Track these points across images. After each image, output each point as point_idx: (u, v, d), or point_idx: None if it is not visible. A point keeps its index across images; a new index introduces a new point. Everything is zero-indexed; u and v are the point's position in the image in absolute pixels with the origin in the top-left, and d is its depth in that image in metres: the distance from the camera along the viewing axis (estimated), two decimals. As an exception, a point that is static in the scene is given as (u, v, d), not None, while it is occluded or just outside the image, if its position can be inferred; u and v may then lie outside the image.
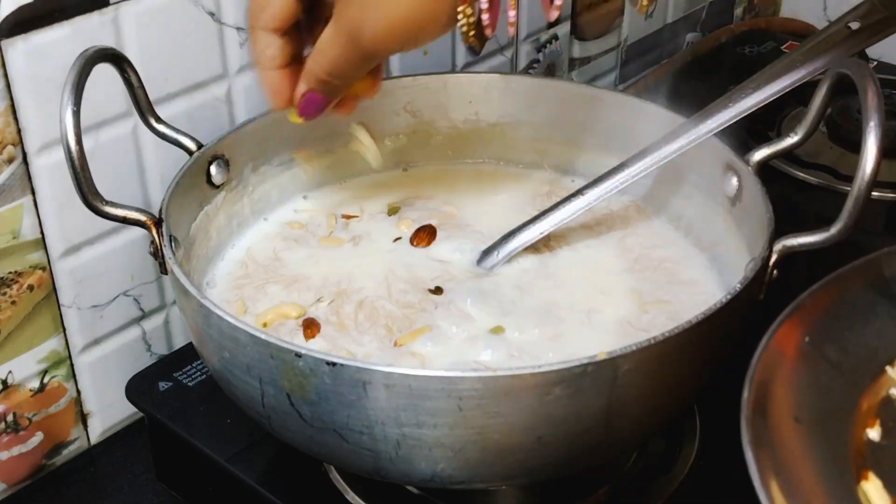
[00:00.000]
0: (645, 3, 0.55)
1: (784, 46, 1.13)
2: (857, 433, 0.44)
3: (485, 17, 0.55)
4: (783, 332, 0.47)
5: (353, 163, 0.77)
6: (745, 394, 0.43)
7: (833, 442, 0.44)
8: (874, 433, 0.46)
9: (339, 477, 0.66)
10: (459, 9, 0.54)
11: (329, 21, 0.57)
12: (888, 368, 0.46)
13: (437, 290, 0.66)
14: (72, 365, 0.72)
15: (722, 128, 0.65)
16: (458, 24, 0.55)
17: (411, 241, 0.71)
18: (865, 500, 0.43)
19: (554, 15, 0.58)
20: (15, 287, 0.67)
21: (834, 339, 0.47)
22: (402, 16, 0.55)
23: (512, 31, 0.57)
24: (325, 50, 0.58)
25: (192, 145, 0.66)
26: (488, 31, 0.56)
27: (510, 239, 0.68)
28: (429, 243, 0.70)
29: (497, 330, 0.62)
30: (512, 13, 0.56)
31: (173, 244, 0.60)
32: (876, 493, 0.44)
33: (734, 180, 0.66)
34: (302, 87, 0.60)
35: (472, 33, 0.55)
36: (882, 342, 0.47)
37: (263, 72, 0.61)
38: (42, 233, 0.67)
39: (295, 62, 0.61)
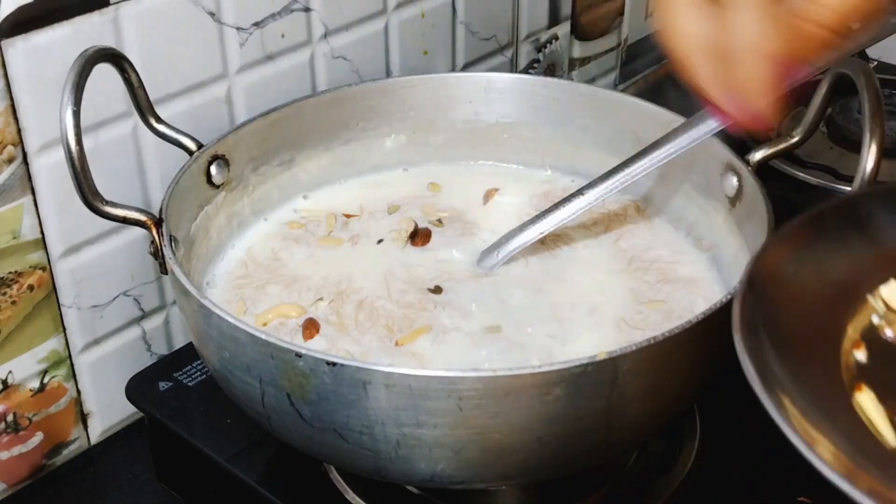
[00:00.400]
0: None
1: (784, 46, 1.12)
2: (845, 353, 0.45)
3: None
4: (766, 260, 0.48)
5: (353, 162, 0.77)
6: (736, 310, 0.44)
7: (824, 359, 0.45)
8: (861, 355, 0.47)
9: (339, 477, 0.66)
10: None
11: None
12: (869, 297, 0.48)
13: (437, 290, 0.66)
14: (72, 365, 0.72)
15: (722, 127, 0.65)
16: None
17: (411, 241, 0.71)
18: (860, 411, 0.44)
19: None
20: (15, 287, 0.67)
21: (815, 269, 0.48)
22: None
23: None
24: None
25: (192, 145, 0.66)
26: None
27: (510, 239, 0.68)
28: (424, 244, 0.70)
29: (497, 330, 0.62)
30: None
31: (173, 244, 0.60)
32: (871, 403, 0.45)
33: (734, 180, 0.66)
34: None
35: None
36: (861, 273, 0.48)
37: (759, 57, 0.46)
38: (42, 233, 0.67)
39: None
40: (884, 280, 0.49)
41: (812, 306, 0.47)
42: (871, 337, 0.46)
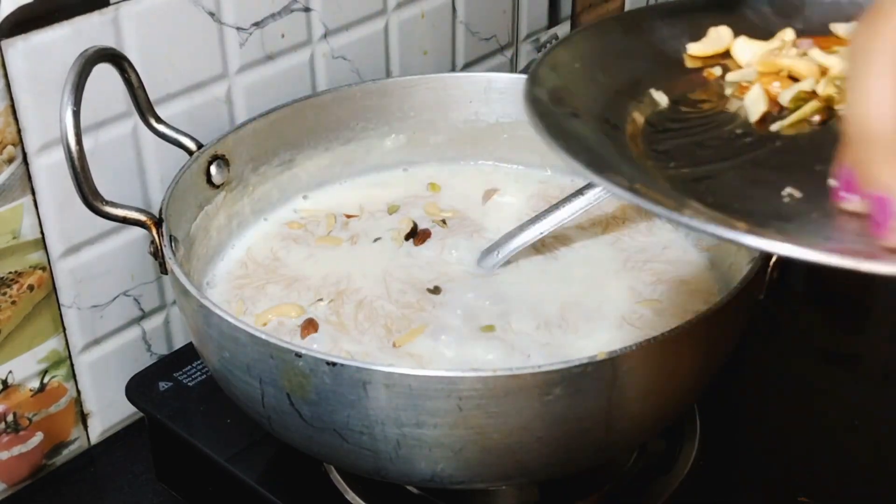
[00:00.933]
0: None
1: (784, 46, 1.13)
2: (632, 129, 0.49)
3: None
4: (552, 59, 0.51)
5: (353, 162, 0.77)
6: (527, 92, 0.47)
7: (614, 130, 0.48)
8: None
9: (339, 477, 0.66)
10: None
11: None
12: (652, 91, 0.51)
13: (436, 290, 0.66)
14: (72, 365, 0.72)
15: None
16: None
17: (411, 241, 0.71)
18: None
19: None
20: (15, 287, 0.67)
21: (602, 68, 0.52)
22: None
23: None
24: None
25: (192, 145, 0.66)
26: None
27: (510, 239, 0.68)
28: (423, 243, 0.70)
29: (497, 330, 0.62)
30: None
31: (173, 244, 0.60)
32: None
33: (734, 180, 0.66)
34: None
35: None
36: (644, 74, 0.52)
37: None
38: (42, 233, 0.67)
39: None
40: (667, 78, 0.53)
41: (601, 93, 0.50)
42: (655, 120, 0.50)
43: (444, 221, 0.73)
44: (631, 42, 0.55)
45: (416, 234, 0.71)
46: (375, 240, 0.71)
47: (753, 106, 0.51)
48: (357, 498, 0.65)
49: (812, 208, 0.41)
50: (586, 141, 0.46)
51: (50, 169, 0.66)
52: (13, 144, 0.64)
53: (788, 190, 0.43)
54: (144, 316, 0.76)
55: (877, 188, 0.37)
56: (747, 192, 0.44)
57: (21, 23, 0.62)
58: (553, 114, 0.47)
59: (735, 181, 0.45)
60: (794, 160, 0.47)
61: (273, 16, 0.75)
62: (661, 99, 0.51)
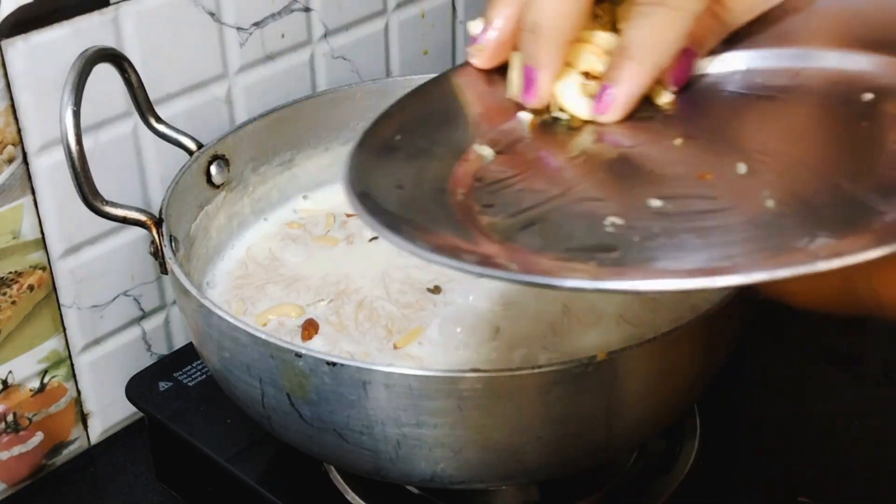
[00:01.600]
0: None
1: (784, 46, 1.12)
2: (456, 190, 0.47)
3: None
4: (372, 132, 0.51)
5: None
6: (346, 175, 0.46)
7: (437, 194, 0.47)
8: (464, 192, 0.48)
9: (339, 477, 0.66)
10: None
11: None
12: (476, 146, 0.50)
13: (436, 290, 0.66)
14: (72, 365, 0.72)
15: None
16: None
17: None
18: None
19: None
20: (15, 287, 0.67)
21: (422, 134, 0.51)
22: None
23: None
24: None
25: (192, 145, 0.66)
26: None
27: (510, 239, 0.68)
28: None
29: (497, 329, 0.62)
30: None
31: (173, 244, 0.60)
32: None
33: (734, 180, 0.65)
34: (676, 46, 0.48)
35: None
36: (463, 133, 0.51)
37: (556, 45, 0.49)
38: (42, 233, 0.67)
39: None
40: (491, 129, 0.52)
41: (424, 161, 0.49)
42: (482, 175, 0.49)
43: None
44: (452, 102, 0.54)
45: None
46: (371, 239, 0.71)
47: (574, 106, 0.50)
48: (357, 498, 0.65)
49: (634, 233, 0.41)
50: (404, 208, 0.45)
51: (50, 169, 0.66)
52: (13, 144, 0.64)
53: (611, 219, 0.42)
54: (144, 316, 0.76)
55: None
56: (573, 229, 0.43)
57: (21, 23, 0.62)
58: (375, 191, 0.45)
59: (560, 219, 0.44)
60: (613, 183, 0.47)
61: (273, 16, 0.75)
62: (486, 152, 0.50)
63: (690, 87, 0.51)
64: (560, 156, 0.50)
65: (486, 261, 0.41)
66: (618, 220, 0.42)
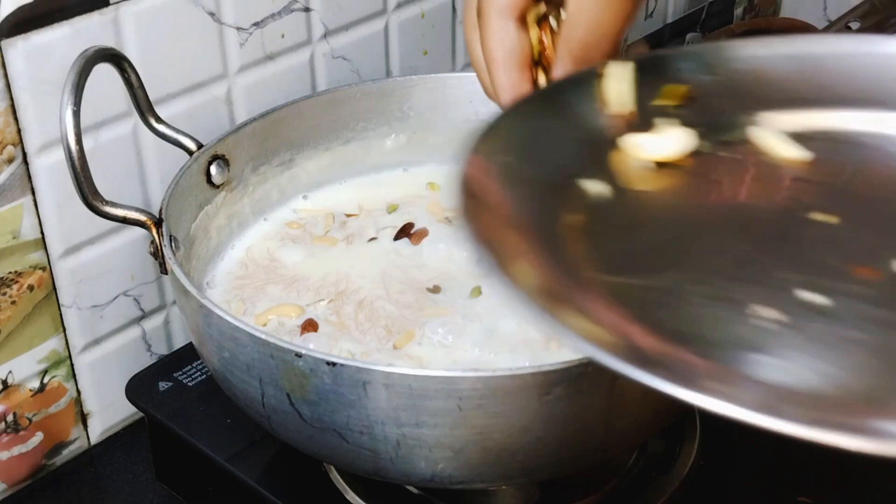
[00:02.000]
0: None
1: (784, 46, 1.13)
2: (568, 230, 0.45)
3: None
4: (476, 157, 0.47)
5: (353, 162, 0.77)
6: (460, 200, 0.43)
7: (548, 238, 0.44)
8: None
9: (339, 477, 0.66)
10: None
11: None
12: (578, 180, 0.48)
13: (436, 290, 0.66)
14: (72, 365, 0.72)
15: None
16: None
17: (407, 238, 0.71)
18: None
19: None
20: (15, 287, 0.67)
21: (526, 159, 0.48)
22: None
23: None
24: (575, 23, 0.52)
25: (192, 145, 0.66)
26: None
27: (510, 239, 0.68)
28: (419, 242, 0.70)
29: (497, 329, 0.62)
30: None
31: (173, 244, 0.60)
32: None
33: (734, 180, 0.65)
34: (559, 73, 0.54)
35: None
36: (567, 160, 0.48)
37: (502, 73, 0.54)
38: (42, 233, 0.67)
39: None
40: (594, 163, 0.49)
41: (529, 194, 0.46)
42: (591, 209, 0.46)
43: (447, 219, 0.73)
44: (559, 123, 0.51)
45: (410, 234, 0.71)
46: (370, 239, 0.71)
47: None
48: (357, 498, 0.65)
49: (790, 332, 0.35)
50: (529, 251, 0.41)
51: (50, 169, 0.66)
52: (13, 144, 0.64)
53: (756, 308, 0.37)
54: (144, 316, 0.76)
55: None
56: (708, 313, 0.37)
57: (21, 23, 0.62)
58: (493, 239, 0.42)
59: (691, 295, 0.38)
60: (747, 255, 0.41)
61: (273, 16, 0.75)
62: (600, 188, 0.47)
63: (829, 145, 0.47)
64: (680, 204, 0.45)
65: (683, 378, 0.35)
66: (769, 313, 0.36)
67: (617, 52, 0.54)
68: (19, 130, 0.64)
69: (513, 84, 0.54)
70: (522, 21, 0.53)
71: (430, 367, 0.59)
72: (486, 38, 0.54)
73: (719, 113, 0.51)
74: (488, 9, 0.53)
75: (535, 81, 0.55)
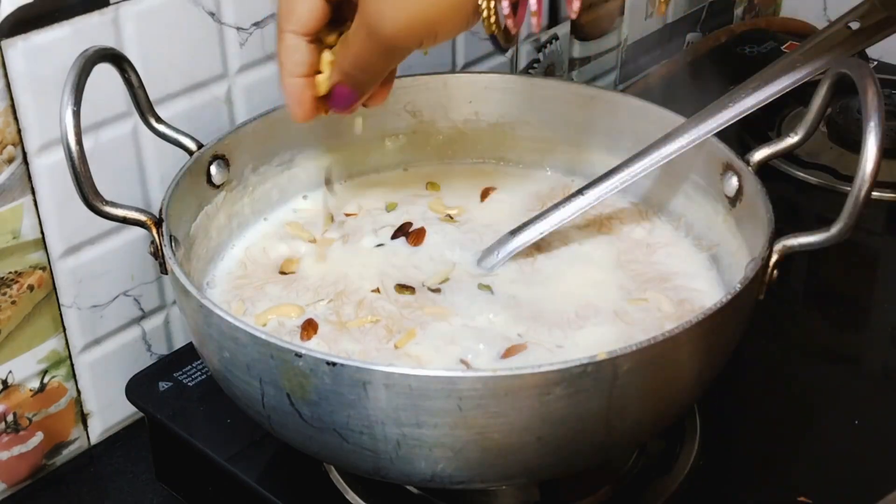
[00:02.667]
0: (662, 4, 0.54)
1: (784, 46, 1.13)
2: None
3: (504, 3, 0.54)
4: None
5: (353, 162, 0.77)
6: None
7: None
8: None
9: (339, 477, 0.66)
10: (481, 1, 0.54)
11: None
12: None
13: (436, 290, 0.66)
14: (72, 365, 0.72)
15: (722, 128, 0.65)
16: (482, 12, 0.54)
17: (406, 239, 0.71)
18: None
19: (576, 6, 0.57)
20: (15, 287, 0.67)
21: None
22: (422, 8, 0.55)
23: (535, 21, 0.56)
24: (350, 43, 0.58)
25: (192, 145, 0.66)
26: (509, 22, 0.55)
27: (510, 239, 0.68)
28: (418, 243, 0.70)
29: (495, 329, 0.62)
30: (534, 2, 0.55)
31: (173, 244, 0.60)
32: None
33: (734, 180, 0.66)
34: (333, 78, 0.60)
35: (493, 20, 0.54)
36: None
37: (288, 79, 0.61)
38: (42, 233, 0.67)
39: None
40: None
41: None
42: None
43: (450, 217, 0.73)
44: None
45: (409, 234, 0.71)
46: (375, 240, 0.71)
47: None
48: (357, 498, 0.65)
49: None
50: None
51: (50, 169, 0.66)
52: (13, 144, 0.64)
53: None
54: (144, 316, 0.76)
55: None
56: None
57: (21, 23, 0.62)
58: None
59: None
60: None
61: (273, 16, 0.75)
62: None
63: None
64: None
65: None
66: None
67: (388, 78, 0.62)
68: (19, 130, 0.64)
69: (297, 89, 0.61)
70: (313, 40, 0.60)
71: (430, 367, 0.59)
72: (279, 50, 0.61)
73: None
74: (283, 26, 0.60)
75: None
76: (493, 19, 0.54)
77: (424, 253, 0.70)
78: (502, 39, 0.56)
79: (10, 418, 0.70)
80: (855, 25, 0.65)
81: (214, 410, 0.69)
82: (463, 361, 0.60)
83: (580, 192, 0.68)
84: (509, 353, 0.60)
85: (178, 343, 0.78)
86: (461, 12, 0.55)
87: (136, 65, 0.62)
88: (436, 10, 0.55)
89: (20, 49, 0.62)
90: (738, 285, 0.56)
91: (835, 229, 0.56)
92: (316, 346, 0.61)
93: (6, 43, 0.62)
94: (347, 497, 0.65)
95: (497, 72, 0.93)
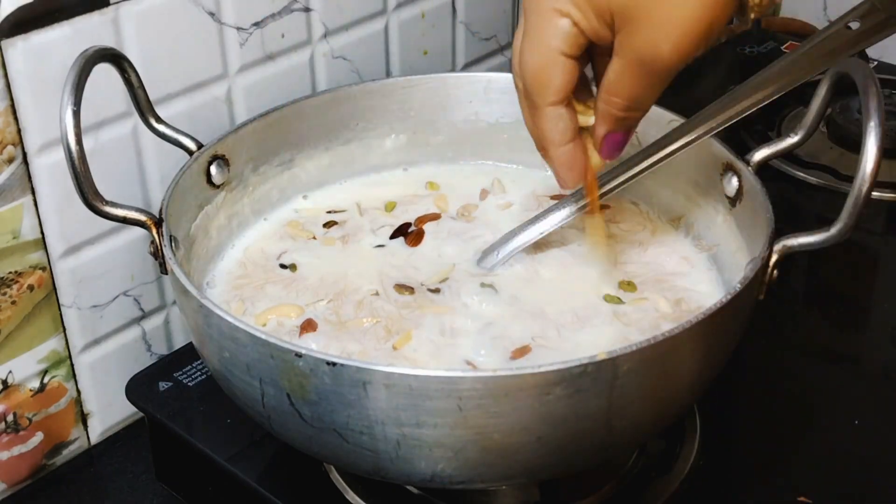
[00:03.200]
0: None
1: (784, 46, 1.13)
2: None
3: None
4: None
5: (353, 162, 0.77)
6: None
7: None
8: None
9: (339, 477, 0.66)
10: None
11: (611, 58, 0.56)
12: None
13: (436, 290, 0.66)
14: (72, 365, 0.72)
15: (722, 128, 0.65)
16: None
17: (406, 240, 0.71)
18: None
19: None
20: (15, 287, 0.67)
21: None
22: (694, 17, 0.53)
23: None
24: (619, 85, 0.56)
25: (192, 145, 0.66)
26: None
27: (510, 239, 0.68)
28: (417, 243, 0.70)
29: (496, 329, 0.62)
30: None
31: (173, 244, 0.60)
32: None
33: (734, 180, 0.66)
34: (601, 131, 0.59)
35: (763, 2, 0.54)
36: None
37: (556, 149, 0.59)
38: (42, 233, 0.67)
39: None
40: None
41: None
42: None
43: (444, 221, 0.73)
44: None
45: (408, 234, 0.71)
46: (375, 240, 0.71)
47: None
48: (357, 498, 0.65)
49: None
50: None
51: (50, 169, 0.66)
52: (13, 144, 0.64)
53: None
54: (144, 316, 0.76)
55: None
56: None
57: (21, 23, 0.62)
58: None
59: None
60: None
61: (273, 16, 0.75)
62: None
63: None
64: None
65: None
66: None
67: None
68: (19, 130, 0.64)
69: (569, 158, 0.60)
70: (570, 102, 0.59)
71: (430, 367, 0.59)
72: (539, 124, 0.60)
73: None
74: (539, 102, 0.58)
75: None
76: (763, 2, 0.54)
77: (424, 253, 0.70)
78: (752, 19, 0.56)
79: (10, 418, 0.70)
80: (855, 25, 0.65)
81: (214, 410, 0.69)
82: (469, 363, 0.60)
83: (580, 192, 0.68)
84: (516, 354, 0.60)
85: (178, 343, 0.78)
86: (729, 6, 0.53)
87: (136, 65, 0.62)
88: (707, 14, 0.53)
89: (20, 49, 0.62)
90: (738, 285, 0.56)
91: (835, 229, 0.56)
92: (316, 346, 0.61)
93: (6, 43, 0.62)
94: (347, 497, 0.65)
95: (497, 72, 0.93)
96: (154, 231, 0.60)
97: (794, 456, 0.69)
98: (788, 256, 0.58)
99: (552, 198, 0.74)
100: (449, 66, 0.90)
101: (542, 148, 0.60)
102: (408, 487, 0.65)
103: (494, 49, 0.93)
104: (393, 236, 0.71)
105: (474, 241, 0.70)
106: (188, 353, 0.74)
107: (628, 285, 0.66)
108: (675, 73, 0.57)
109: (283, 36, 0.76)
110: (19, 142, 0.64)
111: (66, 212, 0.67)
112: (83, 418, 0.74)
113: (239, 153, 0.70)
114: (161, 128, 0.65)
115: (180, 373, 0.73)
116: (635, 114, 0.58)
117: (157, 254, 0.60)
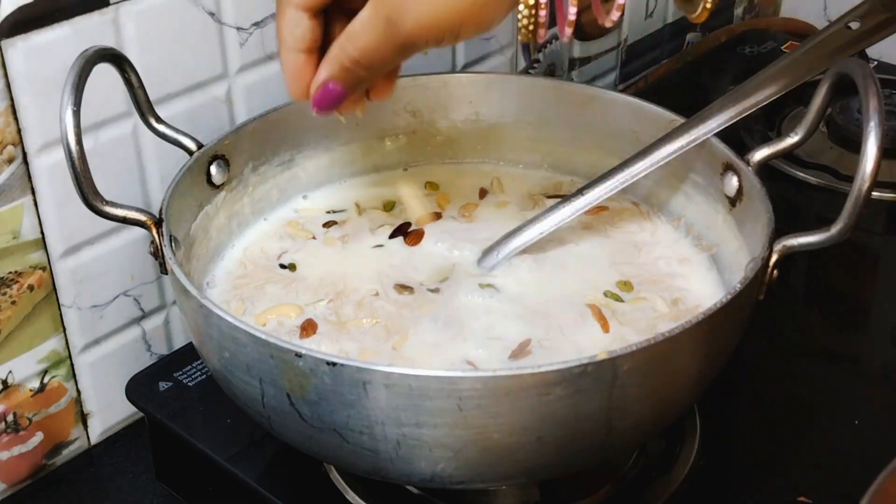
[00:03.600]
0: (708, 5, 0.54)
1: (784, 46, 1.13)
2: None
3: (542, 12, 0.53)
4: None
5: (353, 162, 0.77)
6: None
7: None
8: None
9: (339, 477, 0.66)
10: (521, 9, 0.52)
11: (365, 5, 0.54)
12: None
13: (435, 290, 0.66)
14: (72, 365, 0.72)
15: (722, 128, 0.65)
16: (518, 17, 0.53)
17: (406, 240, 0.71)
18: None
19: (611, 20, 0.56)
20: (15, 287, 0.67)
21: None
22: (450, 5, 0.52)
23: (569, 31, 0.54)
24: (358, 34, 0.54)
25: (192, 145, 0.66)
26: (541, 32, 0.54)
27: (510, 239, 0.68)
28: (417, 243, 0.70)
29: (495, 329, 0.62)
30: (573, 10, 0.54)
31: (173, 244, 0.60)
32: None
33: (734, 180, 0.66)
34: (322, 75, 0.57)
35: (530, 28, 0.53)
36: None
37: (286, 53, 0.57)
38: (42, 233, 0.67)
39: (320, 52, 0.58)
40: None
41: None
42: None
43: (444, 221, 0.73)
44: None
45: (407, 234, 0.71)
46: (375, 240, 0.71)
47: None
48: (357, 498, 0.65)
49: None
50: None
51: (50, 169, 0.66)
52: (13, 144, 0.64)
53: None
54: (144, 316, 0.76)
55: None
56: None
57: (21, 23, 0.62)
58: None
59: None
60: None
61: (273, 16, 0.75)
62: None
63: None
64: None
65: None
66: None
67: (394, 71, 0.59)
68: (19, 130, 0.64)
69: (296, 66, 0.57)
70: (316, 14, 0.57)
71: (430, 367, 0.59)
72: (279, 24, 0.57)
73: None
74: (284, 2, 0.57)
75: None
76: (530, 28, 0.53)
77: (423, 253, 0.70)
78: (534, 48, 0.55)
79: (10, 418, 0.70)
80: (855, 25, 0.65)
81: (214, 410, 0.69)
82: (469, 363, 0.60)
83: (580, 192, 0.68)
84: (516, 354, 0.60)
85: (178, 343, 0.78)
86: (489, 14, 0.53)
87: (136, 65, 0.62)
88: (464, 8, 0.52)
89: (20, 49, 0.62)
90: (738, 285, 0.56)
91: (835, 229, 0.56)
92: (315, 346, 0.61)
93: (6, 43, 0.62)
94: (347, 497, 0.65)
95: (497, 72, 0.93)
96: (154, 231, 0.60)
97: (794, 456, 0.69)
98: (788, 256, 0.58)
99: (552, 197, 0.74)
100: (449, 66, 0.90)
101: (279, 50, 0.58)
102: (408, 487, 0.65)
103: (494, 49, 0.93)
104: (392, 236, 0.71)
105: (474, 242, 0.70)
106: (188, 353, 0.74)
107: (625, 285, 0.66)
108: (414, 49, 0.55)
109: (283, 36, 0.76)
110: (19, 142, 0.64)
111: (66, 212, 0.67)
112: (83, 418, 0.74)
113: (239, 153, 0.70)
114: (161, 128, 0.65)
115: (180, 373, 0.73)
116: (361, 72, 0.56)
117: (157, 254, 0.60)
